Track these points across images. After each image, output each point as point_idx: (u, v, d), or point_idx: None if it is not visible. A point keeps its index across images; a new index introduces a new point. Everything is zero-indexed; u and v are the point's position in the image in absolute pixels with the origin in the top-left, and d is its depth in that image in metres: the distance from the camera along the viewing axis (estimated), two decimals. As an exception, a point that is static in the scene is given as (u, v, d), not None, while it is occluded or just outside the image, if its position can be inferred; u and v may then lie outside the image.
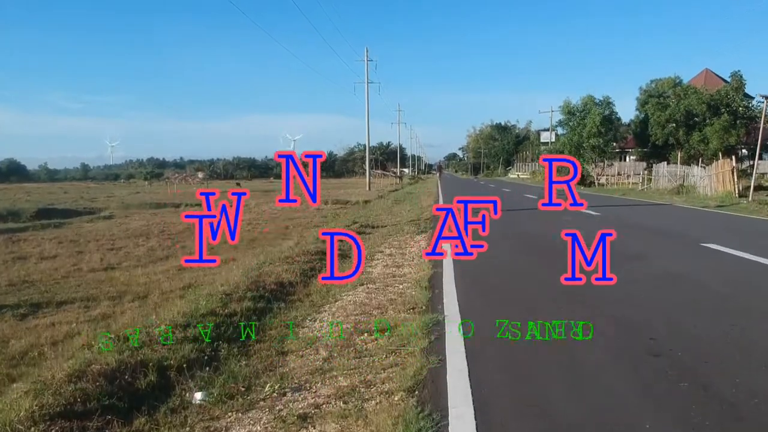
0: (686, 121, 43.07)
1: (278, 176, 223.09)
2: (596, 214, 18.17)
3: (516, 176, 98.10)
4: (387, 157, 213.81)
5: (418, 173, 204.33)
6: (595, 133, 43.15)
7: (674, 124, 42.98)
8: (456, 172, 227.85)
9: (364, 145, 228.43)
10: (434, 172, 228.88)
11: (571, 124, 45.49)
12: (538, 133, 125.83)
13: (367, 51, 73.22)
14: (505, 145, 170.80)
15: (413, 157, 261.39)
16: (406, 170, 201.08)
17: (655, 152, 46.11)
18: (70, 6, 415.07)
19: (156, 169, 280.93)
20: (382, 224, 16.09)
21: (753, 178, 25.02)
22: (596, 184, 44.28)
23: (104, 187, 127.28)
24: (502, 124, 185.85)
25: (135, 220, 32.63)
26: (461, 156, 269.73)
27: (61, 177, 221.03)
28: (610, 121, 44.76)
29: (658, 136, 43.79)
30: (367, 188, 71.67)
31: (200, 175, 71.72)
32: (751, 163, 46.08)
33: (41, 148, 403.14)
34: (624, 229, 14.73)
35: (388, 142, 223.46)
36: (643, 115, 47.52)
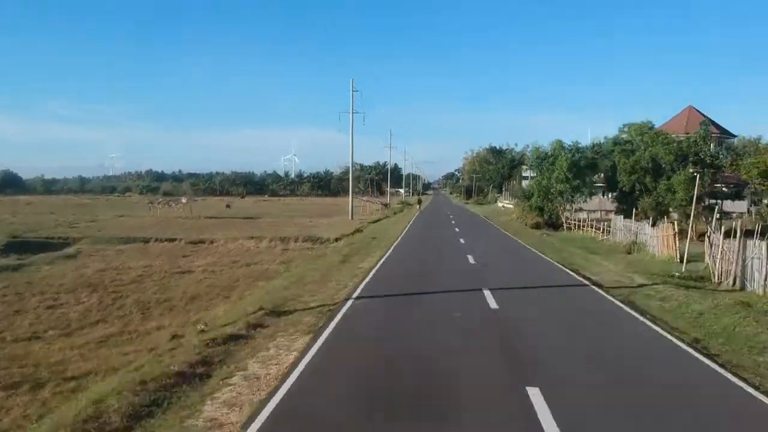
0: (654, 169, 43.52)
1: (274, 193, 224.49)
2: (493, 306, 16.93)
3: (501, 206, 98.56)
4: (383, 177, 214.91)
5: (413, 194, 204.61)
6: (562, 178, 43.62)
7: (641, 172, 43.41)
8: (451, 193, 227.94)
9: (360, 165, 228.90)
10: (430, 192, 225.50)
11: (541, 168, 46.02)
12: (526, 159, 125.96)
13: (352, 82, 73.91)
14: (499, 169, 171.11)
15: (410, 176, 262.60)
16: (401, 190, 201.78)
17: (623, 197, 46.56)
18: (71, 14, 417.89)
19: (154, 183, 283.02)
20: (292, 307, 16.14)
21: (686, 245, 25.04)
22: (564, 227, 44.66)
23: (97, 203, 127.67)
24: (498, 147, 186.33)
25: (96, 261, 32.98)
26: (458, 176, 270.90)
27: (58, 189, 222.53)
28: (577, 166, 45.24)
29: (624, 182, 44.23)
30: (350, 217, 72.12)
31: (183, 200, 71.96)
32: (718, 209, 46.42)
33: (41, 156, 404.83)
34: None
35: (384, 162, 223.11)
36: (612, 161, 48.09)
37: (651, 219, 44.65)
